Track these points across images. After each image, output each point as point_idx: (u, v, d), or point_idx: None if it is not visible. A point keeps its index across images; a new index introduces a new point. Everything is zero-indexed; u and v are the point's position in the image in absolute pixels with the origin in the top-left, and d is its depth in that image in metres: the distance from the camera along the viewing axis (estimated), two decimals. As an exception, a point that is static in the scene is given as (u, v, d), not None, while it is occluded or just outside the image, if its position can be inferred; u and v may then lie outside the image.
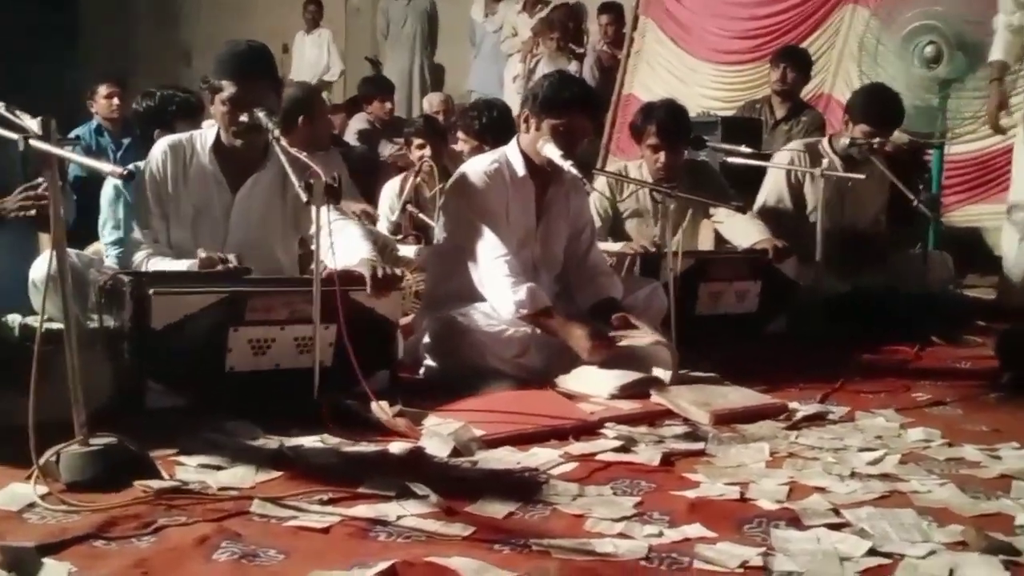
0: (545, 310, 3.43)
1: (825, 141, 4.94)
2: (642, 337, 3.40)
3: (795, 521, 2.20)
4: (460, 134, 5.08)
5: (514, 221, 3.61)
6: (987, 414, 3.21)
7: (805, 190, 4.85)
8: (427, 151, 5.27)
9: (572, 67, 8.30)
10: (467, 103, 9.35)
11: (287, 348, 3.02)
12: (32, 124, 2.48)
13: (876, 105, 4.79)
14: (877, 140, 4.66)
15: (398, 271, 3.36)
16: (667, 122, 4.42)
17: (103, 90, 6.21)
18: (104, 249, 3.79)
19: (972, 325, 4.59)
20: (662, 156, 4.41)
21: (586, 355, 3.33)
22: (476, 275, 3.52)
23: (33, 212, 3.18)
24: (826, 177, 4.44)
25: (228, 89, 3.23)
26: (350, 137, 7.99)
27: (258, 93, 3.22)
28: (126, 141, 5.84)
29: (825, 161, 4.65)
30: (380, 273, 3.12)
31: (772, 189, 4.90)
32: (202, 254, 3.12)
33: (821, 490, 2.41)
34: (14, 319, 3.41)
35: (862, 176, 4.57)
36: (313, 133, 4.55)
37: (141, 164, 3.58)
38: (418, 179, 5.34)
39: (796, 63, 6.20)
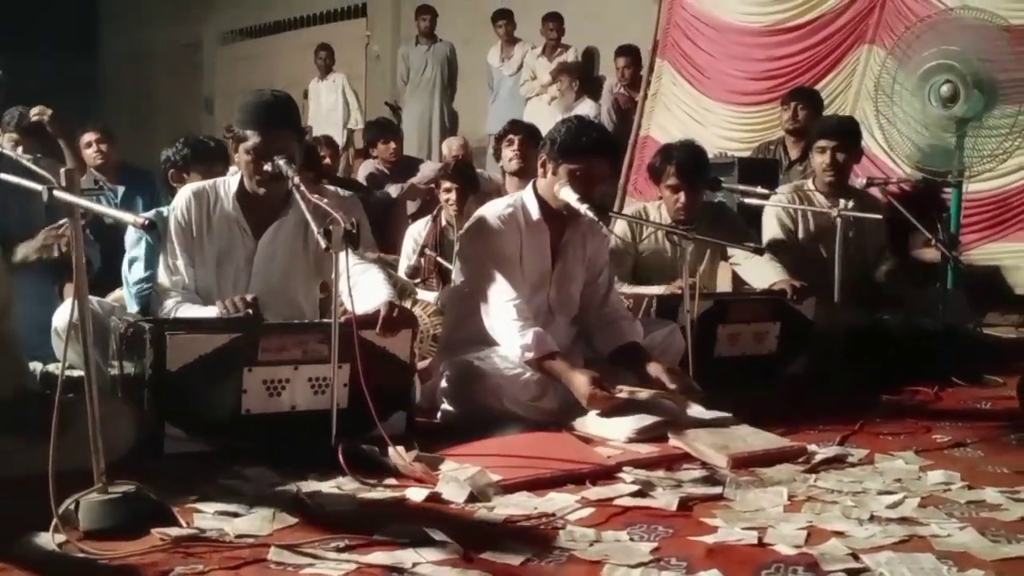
0: (550, 355, 3.43)
1: (809, 182, 5.00)
2: (644, 390, 3.39)
3: (814, 567, 2.19)
4: None
5: (528, 265, 3.63)
6: (1008, 456, 3.17)
7: (799, 229, 4.90)
8: (453, 195, 5.32)
9: (590, 109, 8.36)
10: (485, 147, 9.47)
11: (302, 389, 3.04)
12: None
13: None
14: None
15: (415, 311, 3.38)
16: (686, 162, 4.44)
17: (84, 139, 5.86)
18: (127, 291, 3.84)
19: (992, 365, 4.55)
20: (682, 197, 4.43)
21: (585, 403, 3.33)
22: (487, 319, 3.54)
23: (56, 254, 3.22)
24: (843, 217, 4.44)
25: (252, 139, 3.27)
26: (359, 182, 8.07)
27: (282, 143, 3.26)
28: (121, 189, 5.68)
29: (815, 198, 4.88)
30: (395, 312, 3.14)
31: (771, 228, 4.94)
32: (220, 306, 3.15)
33: (840, 534, 2.38)
34: (35, 367, 3.44)
35: (878, 216, 4.59)
36: None
37: (164, 210, 3.64)
38: (442, 222, 5.39)
39: (807, 101, 6.21)
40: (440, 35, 10.26)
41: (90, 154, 5.81)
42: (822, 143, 4.91)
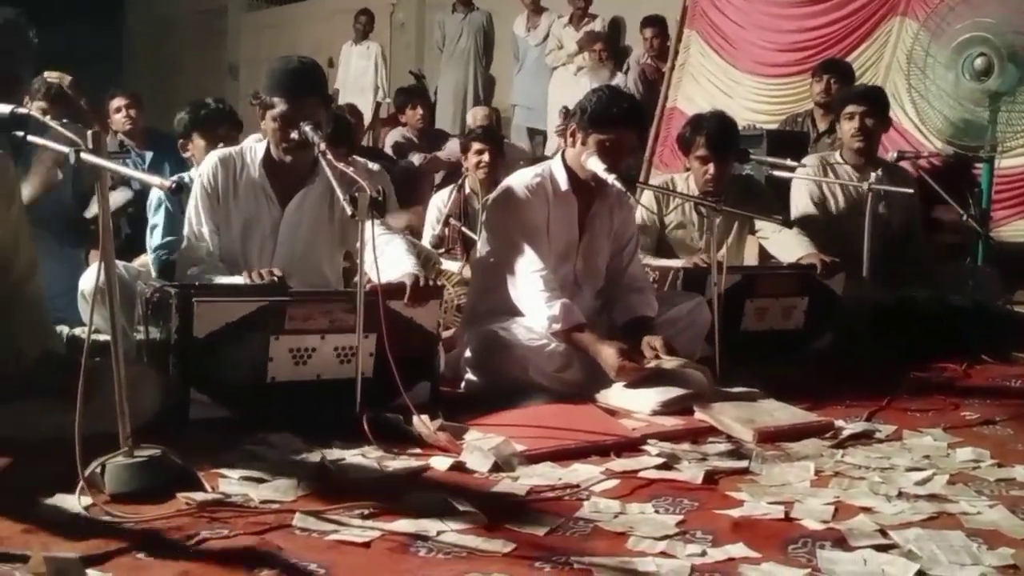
0: (578, 326, 3.41)
1: (837, 154, 4.94)
2: (672, 361, 3.37)
3: (841, 542, 2.17)
4: None
5: (555, 235, 3.61)
6: (1038, 434, 3.15)
7: (828, 203, 4.85)
8: (486, 156, 5.29)
9: (618, 79, 8.31)
10: (510, 117, 9.44)
11: (328, 358, 3.04)
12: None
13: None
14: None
15: (440, 282, 3.37)
16: (717, 134, 4.39)
17: (114, 104, 5.98)
18: (149, 256, 3.85)
19: (1021, 342, 4.49)
20: (711, 168, 4.38)
21: (613, 375, 3.31)
22: (513, 289, 3.52)
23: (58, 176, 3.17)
24: (872, 191, 4.38)
25: (279, 106, 3.25)
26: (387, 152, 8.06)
27: (309, 110, 3.24)
28: (149, 154, 5.73)
29: (841, 171, 4.84)
30: (421, 283, 3.13)
31: (802, 200, 4.88)
32: (246, 276, 3.15)
33: (867, 510, 2.37)
34: (62, 330, 3.45)
35: (909, 190, 4.53)
36: None
37: (186, 176, 3.63)
38: (466, 191, 5.38)
39: (840, 75, 6.12)
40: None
41: (119, 119, 5.86)
42: (850, 109, 4.85)
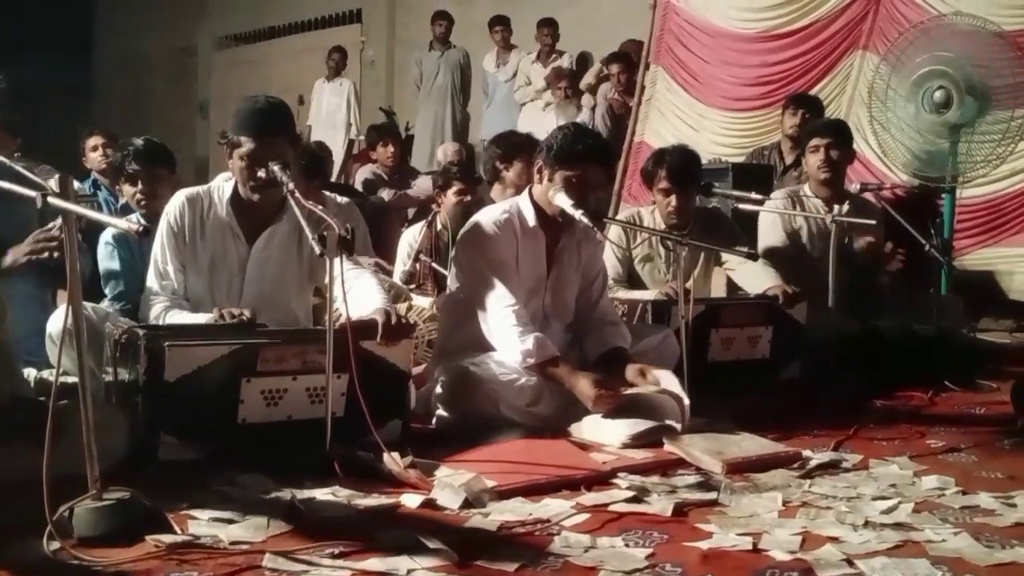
0: (552, 360, 3.44)
1: (806, 186, 5.01)
2: (647, 387, 3.40)
3: (808, 572, 2.19)
4: None
5: (524, 271, 3.64)
6: (1002, 461, 3.18)
7: (796, 235, 4.92)
8: (467, 197, 5.31)
9: (583, 115, 8.40)
10: (479, 153, 9.48)
11: (299, 399, 3.03)
12: (52, 182, 2.51)
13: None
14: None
15: (411, 319, 3.38)
16: (678, 166, 4.46)
17: (90, 142, 5.98)
18: (108, 304, 3.82)
19: (986, 369, 4.55)
20: (673, 200, 4.44)
21: (590, 405, 3.34)
22: (485, 325, 3.54)
23: (46, 255, 3.21)
24: (837, 223, 4.44)
25: (246, 145, 3.27)
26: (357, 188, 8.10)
27: (276, 149, 3.26)
28: None
29: (809, 203, 4.91)
30: (393, 321, 3.14)
31: (769, 232, 4.94)
32: (216, 314, 3.15)
33: (834, 540, 2.39)
34: (30, 373, 3.44)
35: (872, 222, 4.60)
36: None
37: (134, 217, 3.62)
38: (437, 227, 5.39)
39: (813, 108, 6.23)
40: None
41: (95, 158, 5.85)
42: (815, 142, 4.92)
